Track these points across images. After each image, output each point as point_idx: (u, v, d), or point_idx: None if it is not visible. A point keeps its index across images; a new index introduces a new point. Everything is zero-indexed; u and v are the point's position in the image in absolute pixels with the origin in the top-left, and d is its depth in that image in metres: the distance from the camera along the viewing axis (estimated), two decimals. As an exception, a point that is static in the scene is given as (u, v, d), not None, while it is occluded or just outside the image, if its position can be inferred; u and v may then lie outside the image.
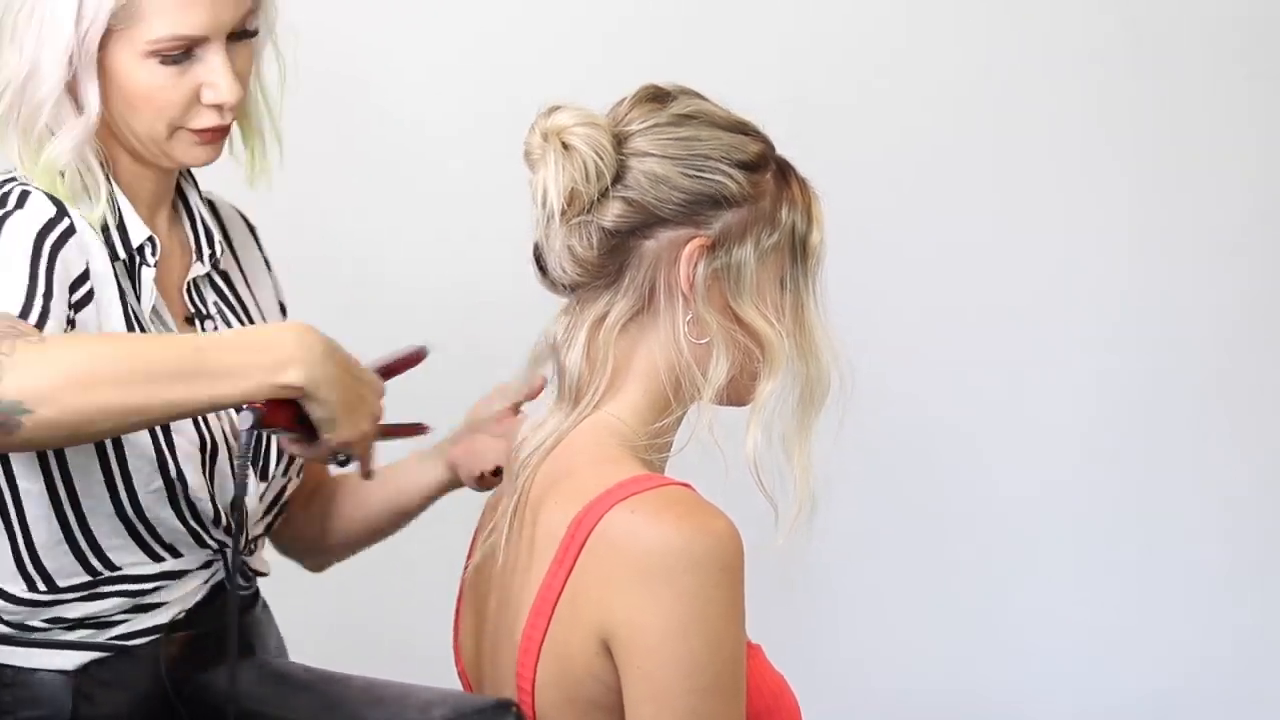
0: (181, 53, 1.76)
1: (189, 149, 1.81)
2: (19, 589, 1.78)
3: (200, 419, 1.79)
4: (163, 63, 1.76)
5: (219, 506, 1.82)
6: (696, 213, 1.61)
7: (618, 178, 1.61)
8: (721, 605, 1.53)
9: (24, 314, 1.66)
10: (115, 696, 1.82)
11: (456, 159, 2.79)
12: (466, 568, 1.77)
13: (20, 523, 1.77)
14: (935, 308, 3.01)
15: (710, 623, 1.53)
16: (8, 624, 1.81)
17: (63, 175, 1.77)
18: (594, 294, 1.64)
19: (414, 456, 2.00)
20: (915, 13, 2.97)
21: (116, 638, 1.82)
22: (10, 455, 1.74)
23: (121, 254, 1.79)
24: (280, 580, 2.01)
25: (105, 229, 1.79)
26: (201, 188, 1.94)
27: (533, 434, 1.67)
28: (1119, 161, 3.04)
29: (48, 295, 1.69)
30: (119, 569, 1.79)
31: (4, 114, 1.77)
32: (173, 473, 1.77)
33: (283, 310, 2.02)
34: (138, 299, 1.80)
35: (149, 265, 1.80)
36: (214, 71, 1.77)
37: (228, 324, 1.89)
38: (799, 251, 1.65)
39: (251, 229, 2.02)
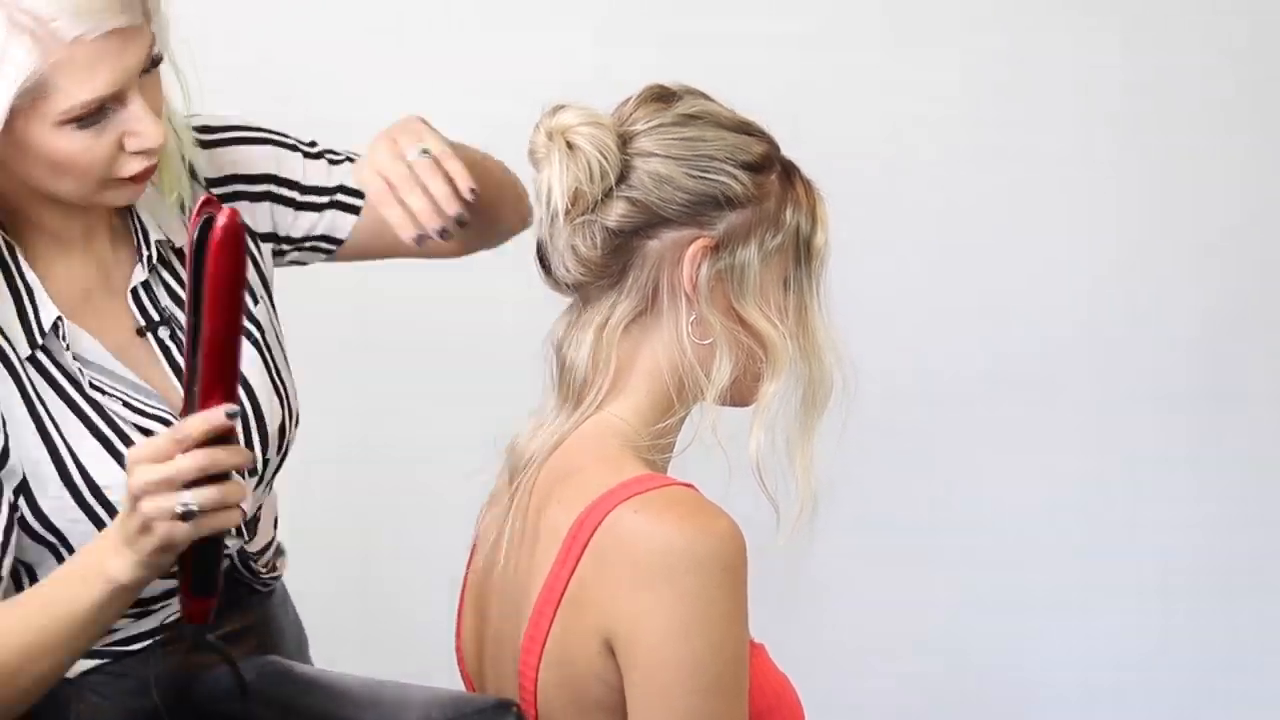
0: (96, 111, 1.68)
1: (119, 193, 1.75)
2: None
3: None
4: (80, 127, 1.68)
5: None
6: (700, 213, 1.61)
7: (622, 177, 1.61)
8: (724, 605, 1.53)
9: None
10: (112, 702, 1.82)
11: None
12: (468, 567, 1.77)
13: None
14: (935, 307, 3.01)
15: (712, 623, 1.53)
16: None
17: None
18: (597, 294, 1.64)
19: None
20: (915, 13, 2.97)
21: (114, 643, 1.81)
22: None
23: (39, 339, 1.75)
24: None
25: (20, 310, 1.75)
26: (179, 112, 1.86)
27: (535, 434, 1.67)
28: (1119, 162, 3.04)
29: None
30: None
31: None
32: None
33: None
34: (77, 371, 1.76)
35: (65, 348, 1.75)
36: (134, 119, 1.70)
37: (180, 325, 1.83)
38: (803, 253, 1.65)
39: (250, 135, 1.93)
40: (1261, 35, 3.05)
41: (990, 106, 3.00)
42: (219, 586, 1.62)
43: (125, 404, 1.78)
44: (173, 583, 1.80)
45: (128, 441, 1.76)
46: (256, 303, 1.91)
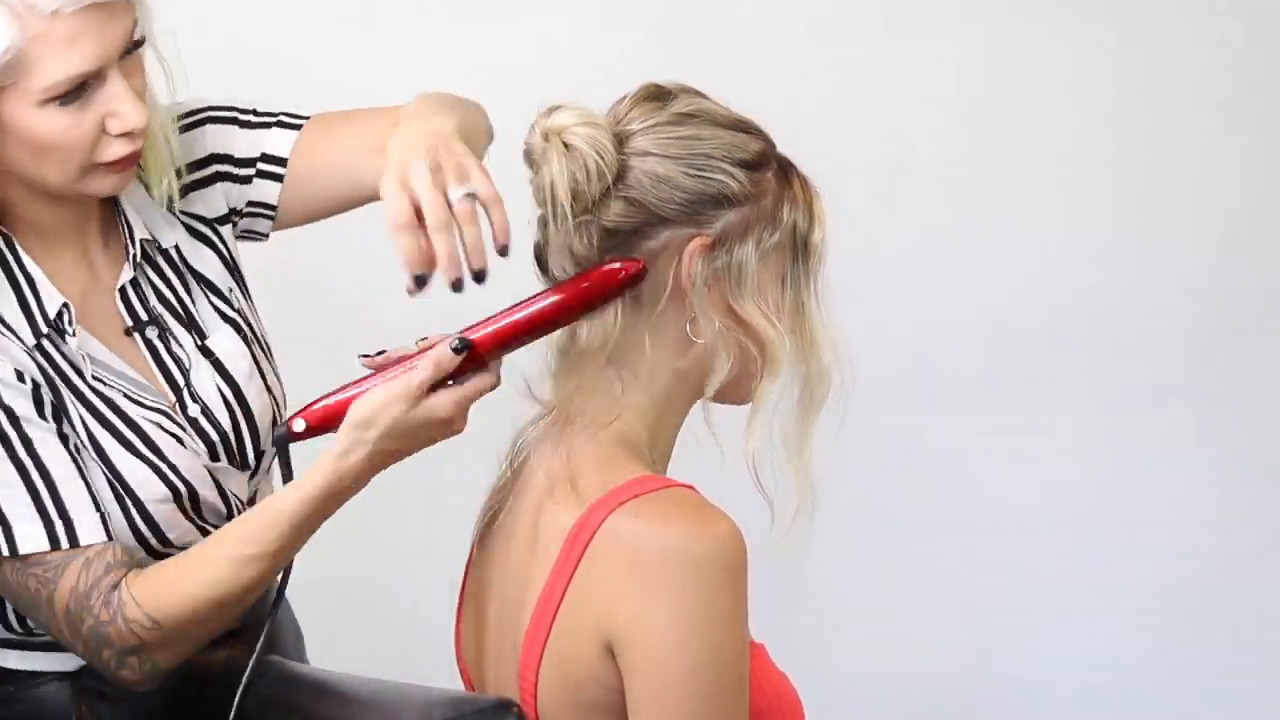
0: (78, 89, 1.68)
1: (103, 181, 1.74)
2: None
3: (170, 470, 1.78)
4: (61, 105, 1.68)
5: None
6: (698, 212, 1.61)
7: (619, 177, 1.61)
8: (724, 607, 1.53)
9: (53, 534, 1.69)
10: (114, 704, 1.82)
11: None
12: (468, 567, 1.77)
13: None
14: (933, 306, 3.01)
15: (713, 624, 1.53)
16: (9, 628, 1.81)
17: None
18: (596, 294, 1.64)
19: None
20: (911, 8, 2.97)
21: None
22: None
23: (44, 327, 1.76)
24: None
25: (22, 301, 1.75)
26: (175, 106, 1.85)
27: (535, 434, 1.67)
28: (1118, 160, 3.04)
29: (49, 483, 1.70)
30: None
31: None
32: (142, 524, 1.78)
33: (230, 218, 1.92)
34: (80, 360, 1.77)
35: (70, 334, 1.76)
36: (116, 99, 1.70)
37: (167, 324, 1.84)
38: (800, 250, 1.64)
39: (194, 118, 1.90)
40: (1259, 34, 3.05)
41: (989, 105, 3.00)
42: None
43: (125, 395, 1.78)
44: None
45: (135, 429, 1.77)
46: (228, 293, 1.90)
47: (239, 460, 1.85)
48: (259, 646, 1.69)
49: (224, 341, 1.86)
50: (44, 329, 1.75)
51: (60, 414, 1.73)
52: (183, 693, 1.83)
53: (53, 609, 1.71)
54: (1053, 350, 3.06)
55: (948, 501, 3.06)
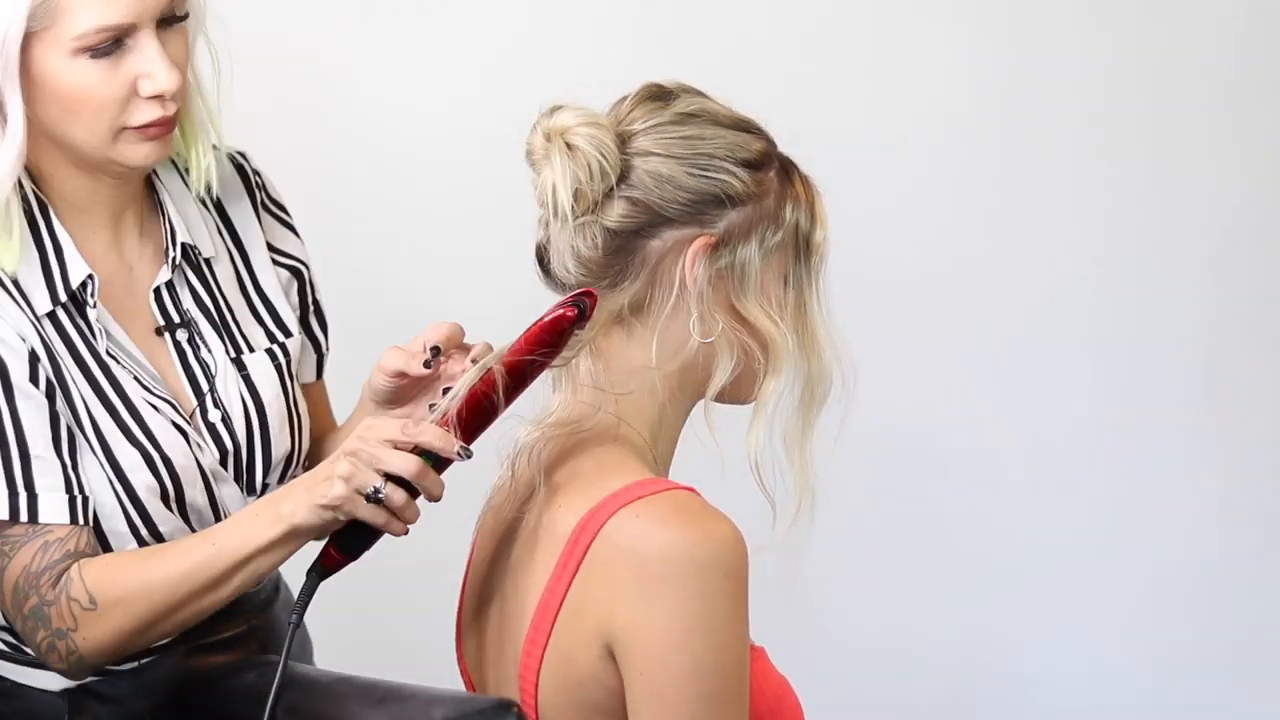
0: (111, 43, 1.69)
1: (135, 148, 1.74)
2: None
3: (161, 461, 1.78)
4: (93, 57, 1.69)
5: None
6: (701, 212, 1.61)
7: (622, 177, 1.60)
8: (725, 610, 1.53)
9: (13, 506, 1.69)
10: (111, 708, 1.81)
11: (457, 158, 2.78)
12: (468, 567, 1.77)
13: None
14: (936, 307, 3.01)
15: (714, 628, 1.53)
16: (6, 643, 1.80)
17: None
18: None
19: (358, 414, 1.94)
20: (913, 15, 2.98)
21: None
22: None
23: (63, 296, 1.75)
24: (281, 581, 2.01)
25: (45, 267, 1.75)
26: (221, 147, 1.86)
27: (536, 435, 1.67)
28: (1117, 164, 3.05)
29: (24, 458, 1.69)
30: None
31: None
32: (134, 513, 1.77)
33: (284, 256, 1.93)
34: (93, 335, 1.76)
35: (90, 305, 1.76)
36: (148, 60, 1.70)
37: (199, 329, 1.84)
38: (803, 249, 1.64)
39: (246, 178, 1.91)
40: (1258, 33, 3.05)
41: (989, 105, 3.00)
42: (358, 556, 1.67)
43: (136, 379, 1.77)
44: None
45: (134, 414, 1.76)
46: (290, 336, 1.91)
47: (245, 479, 1.85)
48: (283, 660, 1.68)
49: (258, 364, 1.86)
50: (62, 297, 1.75)
51: (55, 389, 1.72)
52: (179, 696, 1.83)
53: (2, 584, 1.70)
54: (1052, 349, 3.07)
55: (948, 502, 3.06)
